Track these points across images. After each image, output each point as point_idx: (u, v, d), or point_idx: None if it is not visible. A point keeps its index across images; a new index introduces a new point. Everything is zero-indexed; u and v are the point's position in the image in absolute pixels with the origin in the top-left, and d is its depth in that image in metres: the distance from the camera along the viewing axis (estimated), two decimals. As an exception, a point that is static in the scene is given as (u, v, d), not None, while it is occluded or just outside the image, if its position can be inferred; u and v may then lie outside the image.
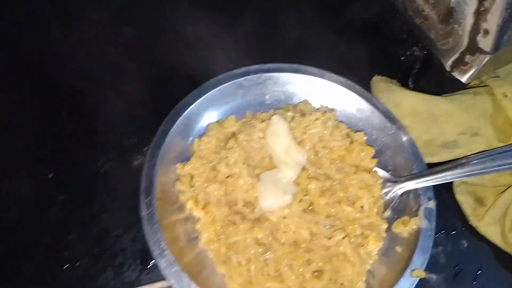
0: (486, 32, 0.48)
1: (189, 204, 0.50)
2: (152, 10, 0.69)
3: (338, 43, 0.66)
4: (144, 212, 0.47)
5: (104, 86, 0.61)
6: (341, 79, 0.57)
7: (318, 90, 0.57)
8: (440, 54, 0.53)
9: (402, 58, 0.65)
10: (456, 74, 0.52)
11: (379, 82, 0.59)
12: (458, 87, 0.54)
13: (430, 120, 0.55)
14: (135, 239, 0.51)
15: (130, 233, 0.51)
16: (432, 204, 0.50)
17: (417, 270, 0.46)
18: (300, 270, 0.46)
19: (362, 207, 0.50)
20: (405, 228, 0.49)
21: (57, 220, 0.51)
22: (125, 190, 0.52)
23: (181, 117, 0.53)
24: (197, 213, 0.50)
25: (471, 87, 0.57)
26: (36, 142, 0.56)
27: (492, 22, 0.46)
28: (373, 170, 0.53)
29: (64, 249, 0.50)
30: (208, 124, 0.55)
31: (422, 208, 0.50)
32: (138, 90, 0.60)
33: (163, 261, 0.45)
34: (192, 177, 0.51)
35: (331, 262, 0.47)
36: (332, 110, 0.56)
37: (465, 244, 0.52)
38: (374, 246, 0.49)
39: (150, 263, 0.50)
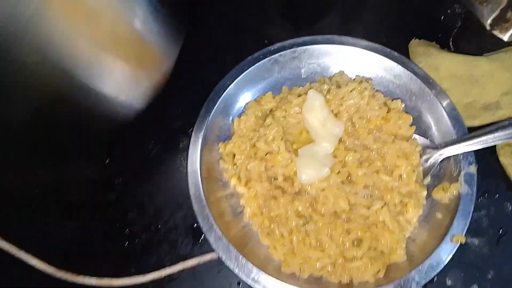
0: (531, -16, 0.45)
1: (233, 181, 0.53)
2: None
3: (373, 6, 0.64)
4: (192, 191, 0.51)
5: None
6: (377, 46, 0.56)
7: (353, 60, 0.57)
8: (479, 12, 0.50)
9: (442, 17, 0.62)
10: (497, 33, 0.50)
11: (416, 46, 0.58)
12: (500, 45, 0.52)
13: (470, 82, 0.53)
14: (186, 216, 0.55)
15: (181, 211, 0.55)
16: (473, 168, 0.50)
17: (458, 235, 0.46)
18: (340, 239, 0.48)
19: (400, 175, 0.50)
20: (445, 194, 0.50)
21: (116, 201, 0.56)
22: (174, 170, 0.57)
23: (221, 98, 0.55)
24: (240, 189, 0.53)
25: (515, 44, 0.54)
26: (94, 131, 0.61)
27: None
28: (412, 138, 0.53)
29: (124, 227, 0.55)
30: (247, 103, 0.57)
31: (462, 173, 0.50)
32: (180, 73, 0.63)
33: (212, 235, 0.49)
34: (234, 155, 0.54)
35: (370, 230, 0.48)
36: (369, 79, 0.56)
37: (510, 207, 0.52)
38: (413, 213, 0.49)
39: (201, 237, 0.54)
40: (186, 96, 0.61)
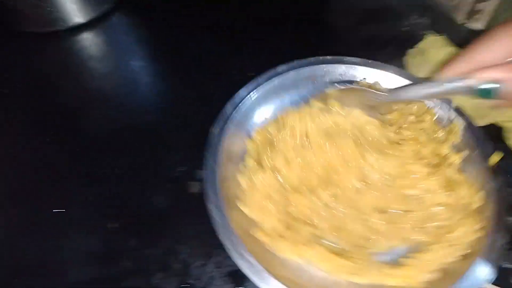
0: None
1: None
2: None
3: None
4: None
5: (140, 121, 0.60)
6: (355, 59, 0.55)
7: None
8: (450, 11, 0.55)
9: (404, 28, 0.66)
10: (470, 25, 0.54)
11: (414, 57, 0.59)
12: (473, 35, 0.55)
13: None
14: (220, 264, 0.48)
15: (213, 260, 0.48)
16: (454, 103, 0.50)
17: (492, 156, 0.46)
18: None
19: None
20: (455, 135, 0.50)
21: (134, 268, 0.48)
22: (191, 219, 0.50)
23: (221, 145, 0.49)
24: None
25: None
26: (85, 196, 0.53)
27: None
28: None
29: (153, 293, 0.47)
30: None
31: (452, 110, 0.50)
32: (169, 116, 0.60)
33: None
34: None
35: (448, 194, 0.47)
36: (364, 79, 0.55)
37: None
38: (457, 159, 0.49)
39: (244, 282, 0.47)
40: (181, 139, 0.57)
